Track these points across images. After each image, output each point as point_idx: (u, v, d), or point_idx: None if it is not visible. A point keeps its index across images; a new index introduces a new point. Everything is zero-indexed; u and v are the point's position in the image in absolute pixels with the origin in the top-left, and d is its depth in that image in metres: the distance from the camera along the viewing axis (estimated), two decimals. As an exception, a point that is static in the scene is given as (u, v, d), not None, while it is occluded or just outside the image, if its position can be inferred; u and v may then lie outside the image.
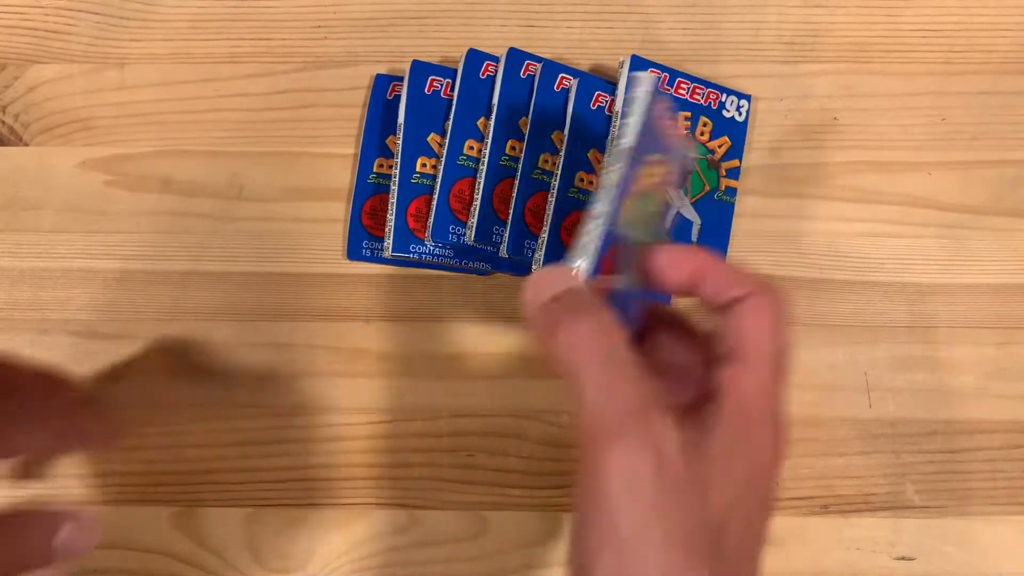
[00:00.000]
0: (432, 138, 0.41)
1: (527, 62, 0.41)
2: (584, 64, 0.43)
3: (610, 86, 0.41)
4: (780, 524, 0.40)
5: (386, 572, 0.39)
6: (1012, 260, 0.42)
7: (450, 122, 0.41)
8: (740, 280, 0.24)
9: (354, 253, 0.42)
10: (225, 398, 0.40)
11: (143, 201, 0.42)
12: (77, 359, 0.41)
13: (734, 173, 0.42)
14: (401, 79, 0.42)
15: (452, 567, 0.40)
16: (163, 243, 0.42)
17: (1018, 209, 0.43)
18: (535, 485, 0.40)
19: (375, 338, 0.41)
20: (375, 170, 0.42)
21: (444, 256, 0.41)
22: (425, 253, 0.41)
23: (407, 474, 0.40)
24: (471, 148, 0.41)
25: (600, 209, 0.25)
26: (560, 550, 0.40)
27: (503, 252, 0.40)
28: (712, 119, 0.42)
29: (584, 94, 0.41)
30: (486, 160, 0.40)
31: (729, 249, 0.42)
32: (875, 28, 0.44)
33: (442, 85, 0.42)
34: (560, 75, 0.41)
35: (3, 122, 0.43)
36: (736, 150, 0.43)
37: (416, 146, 0.41)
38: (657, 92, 0.27)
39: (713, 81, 0.43)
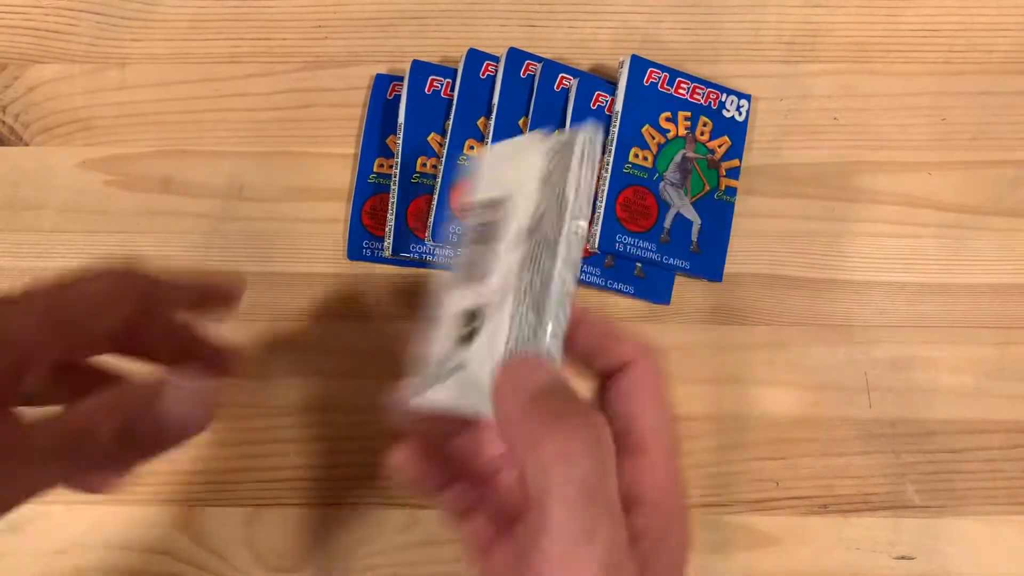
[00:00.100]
0: (432, 138, 0.41)
1: (527, 62, 0.41)
2: (584, 64, 0.43)
3: (610, 86, 0.42)
4: (780, 524, 0.40)
5: (387, 572, 0.39)
6: (1012, 260, 0.42)
7: (450, 122, 0.41)
8: (618, 343, 0.24)
9: (354, 253, 0.42)
10: (225, 398, 0.40)
11: (143, 201, 0.42)
12: (77, 359, 0.41)
13: (734, 173, 0.42)
14: (401, 79, 0.42)
15: (453, 567, 0.39)
16: (163, 243, 0.42)
17: (1018, 209, 0.43)
18: (535, 485, 0.40)
19: (375, 338, 0.41)
20: (375, 170, 0.42)
21: (444, 256, 0.41)
22: (425, 253, 0.41)
23: (407, 474, 0.40)
24: (471, 148, 0.41)
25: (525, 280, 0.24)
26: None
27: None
28: (712, 119, 0.42)
29: (584, 94, 0.41)
30: (486, 160, 0.40)
31: (729, 249, 0.42)
32: (875, 28, 0.44)
33: (442, 85, 0.42)
34: (560, 75, 0.41)
35: (3, 122, 0.43)
36: (736, 150, 0.43)
37: (416, 146, 0.41)
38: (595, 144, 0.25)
39: (713, 81, 0.43)
